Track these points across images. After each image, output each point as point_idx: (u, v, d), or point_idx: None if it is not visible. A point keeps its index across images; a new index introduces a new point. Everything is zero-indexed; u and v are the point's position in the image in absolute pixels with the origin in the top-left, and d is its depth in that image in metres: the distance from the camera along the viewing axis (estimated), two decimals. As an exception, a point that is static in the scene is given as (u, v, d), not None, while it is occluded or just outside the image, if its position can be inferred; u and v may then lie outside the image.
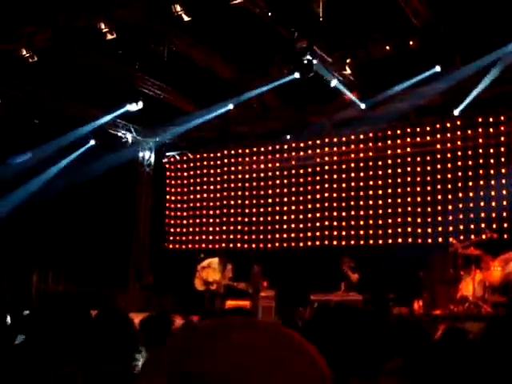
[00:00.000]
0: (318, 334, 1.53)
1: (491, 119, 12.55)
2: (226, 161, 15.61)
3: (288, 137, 13.93)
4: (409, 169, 13.29)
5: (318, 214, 14.18)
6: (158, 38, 10.68)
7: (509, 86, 11.37)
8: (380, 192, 13.52)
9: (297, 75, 11.18)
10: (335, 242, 13.86)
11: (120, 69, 12.00)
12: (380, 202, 13.48)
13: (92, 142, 14.79)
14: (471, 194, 12.58)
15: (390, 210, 13.37)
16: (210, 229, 15.54)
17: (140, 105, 12.82)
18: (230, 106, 13.46)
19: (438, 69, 11.21)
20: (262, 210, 14.89)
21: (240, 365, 0.82)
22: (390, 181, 13.45)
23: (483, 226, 12.03)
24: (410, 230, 13.06)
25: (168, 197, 16.31)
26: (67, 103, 13.57)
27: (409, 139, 13.37)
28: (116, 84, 12.36)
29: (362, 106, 12.69)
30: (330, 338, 1.51)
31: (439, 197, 12.92)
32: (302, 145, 14.49)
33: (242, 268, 12.28)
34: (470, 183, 12.63)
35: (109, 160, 14.55)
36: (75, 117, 13.92)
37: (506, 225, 12.02)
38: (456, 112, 12.13)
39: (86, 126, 14.11)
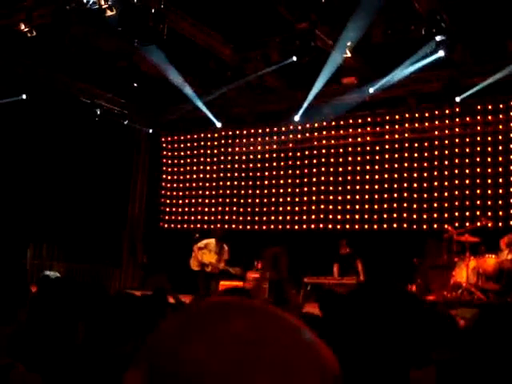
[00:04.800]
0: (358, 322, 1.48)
1: (490, 107, 12.55)
2: (223, 141, 15.57)
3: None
4: (406, 154, 13.30)
5: (313, 197, 14.19)
6: (157, 15, 10.55)
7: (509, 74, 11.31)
8: (376, 177, 13.53)
9: (294, 58, 11.07)
10: (330, 226, 13.90)
11: (119, 46, 11.88)
12: (376, 186, 13.49)
13: (86, 119, 14.67)
14: (467, 181, 12.62)
15: (385, 196, 13.40)
16: (206, 209, 15.54)
17: (138, 83, 12.70)
18: (229, 87, 13.35)
19: (441, 54, 11.01)
20: (257, 191, 14.89)
21: (240, 361, 0.67)
22: (386, 166, 13.45)
23: (478, 213, 12.10)
24: (405, 215, 13.10)
25: (164, 176, 16.28)
26: (65, 80, 13.46)
27: (407, 125, 13.35)
28: (114, 61, 12.23)
29: (363, 90, 12.63)
30: (379, 325, 1.46)
31: (435, 183, 12.95)
32: (299, 127, 14.45)
33: (237, 249, 12.29)
34: (467, 170, 12.66)
35: (105, 138, 14.47)
36: (73, 94, 13.84)
37: (501, 213, 12.09)
38: (458, 99, 12.07)
39: (83, 102, 14.03)
